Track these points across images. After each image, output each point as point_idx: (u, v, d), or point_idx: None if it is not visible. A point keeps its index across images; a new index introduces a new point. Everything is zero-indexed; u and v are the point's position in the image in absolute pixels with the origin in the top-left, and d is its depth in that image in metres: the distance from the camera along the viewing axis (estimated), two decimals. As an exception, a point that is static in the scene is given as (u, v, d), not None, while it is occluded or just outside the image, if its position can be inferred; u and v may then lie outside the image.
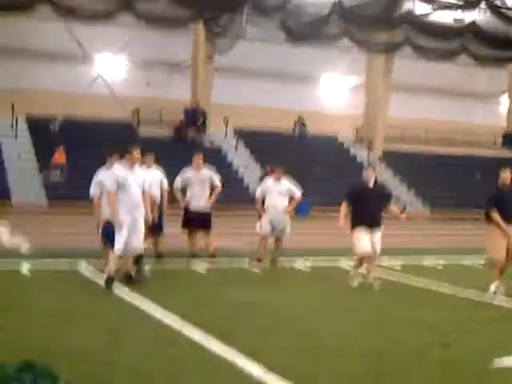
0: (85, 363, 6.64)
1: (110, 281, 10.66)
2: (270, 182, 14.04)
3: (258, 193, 13.94)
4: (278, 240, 13.93)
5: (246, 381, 6.34)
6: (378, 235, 11.65)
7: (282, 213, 13.69)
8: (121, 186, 10.82)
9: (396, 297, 11.06)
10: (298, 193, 13.96)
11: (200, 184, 13.81)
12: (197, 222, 13.77)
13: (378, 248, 11.70)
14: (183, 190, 14.11)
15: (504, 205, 11.34)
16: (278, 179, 13.86)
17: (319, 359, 7.09)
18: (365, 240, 11.43)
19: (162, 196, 13.08)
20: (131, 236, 10.80)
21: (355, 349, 7.53)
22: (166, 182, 13.30)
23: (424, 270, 14.01)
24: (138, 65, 33.76)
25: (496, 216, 11.28)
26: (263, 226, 13.75)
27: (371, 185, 11.77)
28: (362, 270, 11.79)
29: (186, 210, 13.92)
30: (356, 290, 11.48)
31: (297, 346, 7.58)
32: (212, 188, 13.98)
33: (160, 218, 12.78)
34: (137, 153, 11.00)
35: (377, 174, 12.21)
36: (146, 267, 12.39)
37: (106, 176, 11.46)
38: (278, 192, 13.75)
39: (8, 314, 8.75)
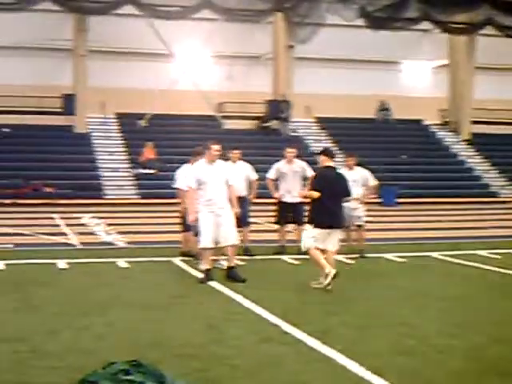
0: (191, 359, 6.80)
1: (205, 274, 10.96)
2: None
3: None
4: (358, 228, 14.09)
5: (345, 377, 6.39)
6: None
7: (354, 202, 13.65)
8: (200, 182, 11.03)
9: (491, 287, 10.91)
10: (372, 181, 14.10)
11: (293, 176, 13.95)
12: (290, 214, 13.94)
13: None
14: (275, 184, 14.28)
15: None
16: (350, 168, 13.96)
17: (417, 354, 7.04)
18: None
19: (249, 189, 13.47)
20: (217, 231, 10.98)
21: (452, 343, 7.47)
22: (254, 175, 13.59)
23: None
24: (219, 59, 34.11)
25: None
26: None
27: None
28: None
29: (280, 203, 14.08)
30: (443, 280, 11.50)
31: (394, 341, 7.57)
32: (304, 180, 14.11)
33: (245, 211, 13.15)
34: (215, 149, 11.13)
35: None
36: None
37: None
38: (352, 181, 13.81)
39: (113, 309, 9.08)
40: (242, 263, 12.68)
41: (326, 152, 10.95)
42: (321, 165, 10.83)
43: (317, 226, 10.43)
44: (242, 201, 12.84)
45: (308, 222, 10.67)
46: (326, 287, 10.20)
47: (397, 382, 6.14)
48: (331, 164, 10.79)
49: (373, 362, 6.65)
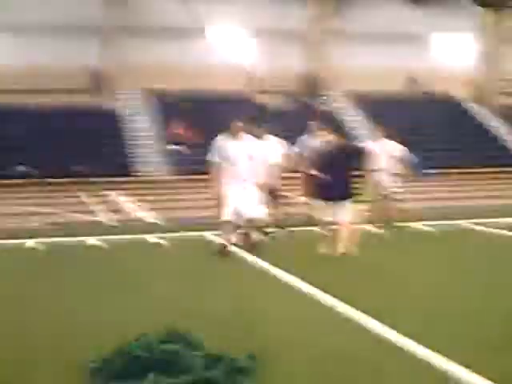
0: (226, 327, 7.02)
1: (221, 248, 11.31)
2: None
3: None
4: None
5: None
6: None
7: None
8: (225, 157, 11.31)
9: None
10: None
11: None
12: None
13: None
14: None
15: None
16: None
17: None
18: None
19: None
20: (243, 205, 11.22)
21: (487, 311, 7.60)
22: (282, 150, 13.54)
23: None
24: (255, 34, 33.93)
25: None
26: None
27: None
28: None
29: None
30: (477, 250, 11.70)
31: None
32: None
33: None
34: (235, 124, 11.44)
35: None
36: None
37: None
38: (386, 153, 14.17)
39: (157, 282, 9.41)
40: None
41: None
42: None
43: None
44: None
45: None
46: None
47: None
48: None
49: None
